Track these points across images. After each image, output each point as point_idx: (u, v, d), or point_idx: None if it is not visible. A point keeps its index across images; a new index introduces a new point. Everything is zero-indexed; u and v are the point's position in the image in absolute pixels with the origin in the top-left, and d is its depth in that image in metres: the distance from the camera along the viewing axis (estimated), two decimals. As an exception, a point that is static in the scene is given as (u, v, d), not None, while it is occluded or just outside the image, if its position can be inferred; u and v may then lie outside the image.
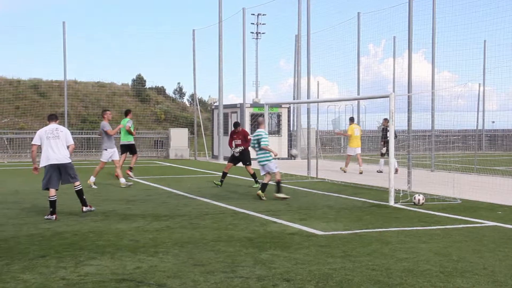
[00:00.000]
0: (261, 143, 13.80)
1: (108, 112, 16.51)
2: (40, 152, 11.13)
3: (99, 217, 10.91)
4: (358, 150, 21.84)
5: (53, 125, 11.16)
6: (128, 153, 18.73)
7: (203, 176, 20.29)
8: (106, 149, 16.33)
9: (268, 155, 13.87)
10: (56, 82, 40.99)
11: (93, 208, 11.31)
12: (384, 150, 21.44)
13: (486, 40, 25.17)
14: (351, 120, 22.13)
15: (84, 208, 11.12)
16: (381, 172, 20.78)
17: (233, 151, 16.67)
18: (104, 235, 9.18)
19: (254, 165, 16.66)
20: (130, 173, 18.54)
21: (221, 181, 16.37)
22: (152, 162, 27.44)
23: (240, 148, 16.51)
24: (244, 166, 16.90)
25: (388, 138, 20.96)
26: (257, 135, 14.00)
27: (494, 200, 13.28)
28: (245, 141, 16.60)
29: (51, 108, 36.99)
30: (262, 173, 14.00)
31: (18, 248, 8.21)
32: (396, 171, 20.57)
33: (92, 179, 16.12)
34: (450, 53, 22.34)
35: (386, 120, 21.65)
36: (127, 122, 18.26)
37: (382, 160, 21.46)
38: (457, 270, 7.00)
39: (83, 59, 78.04)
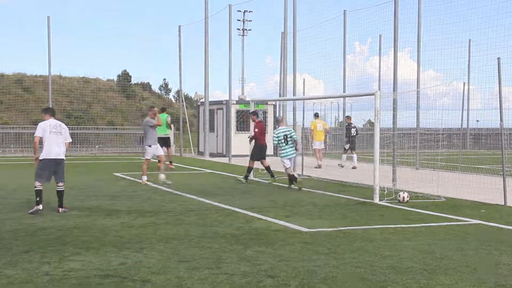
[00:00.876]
0: (294, 138, 15.62)
1: (155, 109, 16.86)
2: (41, 146, 11.14)
3: (84, 213, 10.86)
4: (319, 145, 22.53)
5: (55, 121, 11.29)
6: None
7: (189, 173, 20.26)
8: (150, 146, 16.25)
9: (294, 149, 15.77)
10: (41, 77, 40.65)
11: (67, 209, 11.21)
12: (347, 146, 22.73)
13: (471, 39, 25.28)
14: (316, 115, 22.57)
15: (60, 210, 11.01)
16: (342, 166, 21.90)
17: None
18: (89, 231, 9.15)
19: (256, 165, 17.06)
20: (172, 166, 20.71)
21: (272, 176, 16.73)
22: (138, 158, 27.29)
23: (250, 134, 17.41)
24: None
25: (354, 135, 22.46)
26: (286, 132, 15.52)
27: (478, 198, 13.37)
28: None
29: (35, 103, 36.67)
30: (291, 165, 15.46)
31: (1, 244, 8.14)
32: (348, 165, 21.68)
33: (144, 178, 16.07)
34: (435, 52, 22.47)
35: (348, 117, 23.33)
36: (168, 117, 21.03)
37: (344, 156, 22.63)
38: (440, 268, 7.05)
39: (68, 54, 77.73)
